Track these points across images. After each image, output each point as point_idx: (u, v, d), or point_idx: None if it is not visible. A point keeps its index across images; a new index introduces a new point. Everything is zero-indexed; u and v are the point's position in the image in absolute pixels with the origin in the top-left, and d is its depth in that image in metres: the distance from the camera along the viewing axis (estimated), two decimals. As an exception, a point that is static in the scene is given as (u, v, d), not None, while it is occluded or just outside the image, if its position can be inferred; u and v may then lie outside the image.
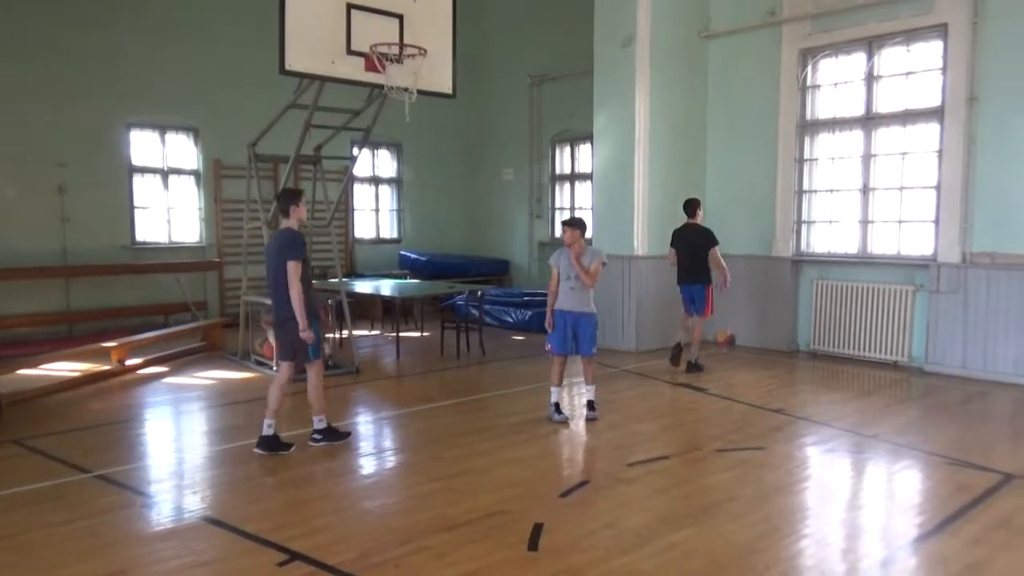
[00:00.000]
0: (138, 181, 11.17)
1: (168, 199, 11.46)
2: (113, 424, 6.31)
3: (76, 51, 10.27)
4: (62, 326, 10.29)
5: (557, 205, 13.41)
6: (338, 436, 5.71)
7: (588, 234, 10.04)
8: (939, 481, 4.99)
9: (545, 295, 11.70)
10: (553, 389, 6.40)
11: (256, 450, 5.41)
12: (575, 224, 6.39)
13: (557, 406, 6.38)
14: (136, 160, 11.11)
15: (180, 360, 8.89)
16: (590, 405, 6.48)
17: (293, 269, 5.29)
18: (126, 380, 7.95)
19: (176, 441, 6.16)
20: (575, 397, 7.50)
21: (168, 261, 11.13)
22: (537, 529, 4.06)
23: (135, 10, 10.70)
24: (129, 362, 8.29)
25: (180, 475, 5.13)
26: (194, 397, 7.25)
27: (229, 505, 4.53)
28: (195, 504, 4.55)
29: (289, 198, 5.55)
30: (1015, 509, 4.38)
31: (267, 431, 5.43)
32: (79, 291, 10.40)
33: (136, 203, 11.14)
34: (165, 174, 11.41)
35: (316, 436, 5.65)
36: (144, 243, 11.21)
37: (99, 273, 10.45)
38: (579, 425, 6.53)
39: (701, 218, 8.31)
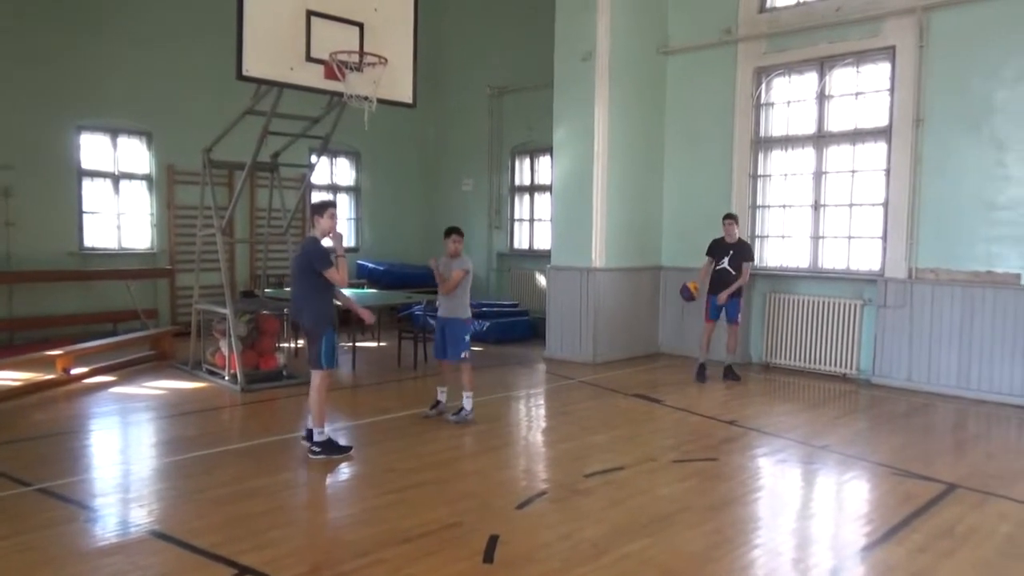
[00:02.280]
0: (87, 185, 10.88)
1: (119, 204, 11.18)
2: (57, 435, 6.11)
3: (24, 51, 9.99)
4: (3, 334, 9.94)
5: (516, 216, 13.45)
6: (338, 449, 5.58)
7: (546, 245, 10.15)
8: (886, 491, 5.11)
9: (502, 306, 11.80)
10: (441, 389, 6.72)
11: (313, 455, 5.47)
12: (457, 231, 6.63)
13: (435, 403, 6.69)
14: (86, 164, 10.83)
15: (129, 369, 8.66)
16: (457, 410, 6.59)
17: (331, 277, 5.48)
18: (71, 390, 7.72)
19: (123, 453, 5.99)
20: (533, 408, 7.54)
21: (118, 268, 10.85)
22: (493, 541, 4.04)
23: (87, 10, 10.46)
24: (75, 371, 8.04)
25: (126, 488, 4.99)
26: (142, 407, 7.07)
27: (177, 519, 4.42)
28: (142, 518, 4.43)
29: (314, 209, 5.69)
30: (957, 518, 4.51)
31: (318, 437, 5.54)
32: (23, 298, 10.06)
33: (85, 208, 10.85)
34: (116, 179, 11.14)
35: (315, 449, 5.52)
36: (93, 249, 10.91)
37: (44, 279, 10.13)
38: (536, 436, 6.55)
39: (730, 233, 8.39)
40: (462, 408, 6.56)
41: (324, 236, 5.59)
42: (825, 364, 8.83)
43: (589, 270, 9.46)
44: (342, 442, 5.73)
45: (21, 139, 10.02)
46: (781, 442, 6.14)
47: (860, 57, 8.51)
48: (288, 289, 9.52)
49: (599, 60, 9.30)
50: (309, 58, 6.94)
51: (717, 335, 8.76)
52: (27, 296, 10.09)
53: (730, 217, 8.49)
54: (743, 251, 8.42)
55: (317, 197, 13.18)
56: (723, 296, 8.34)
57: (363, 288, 12.15)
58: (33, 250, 10.16)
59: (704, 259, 8.58)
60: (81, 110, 10.56)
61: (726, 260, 8.39)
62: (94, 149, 10.93)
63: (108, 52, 10.61)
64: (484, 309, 11.21)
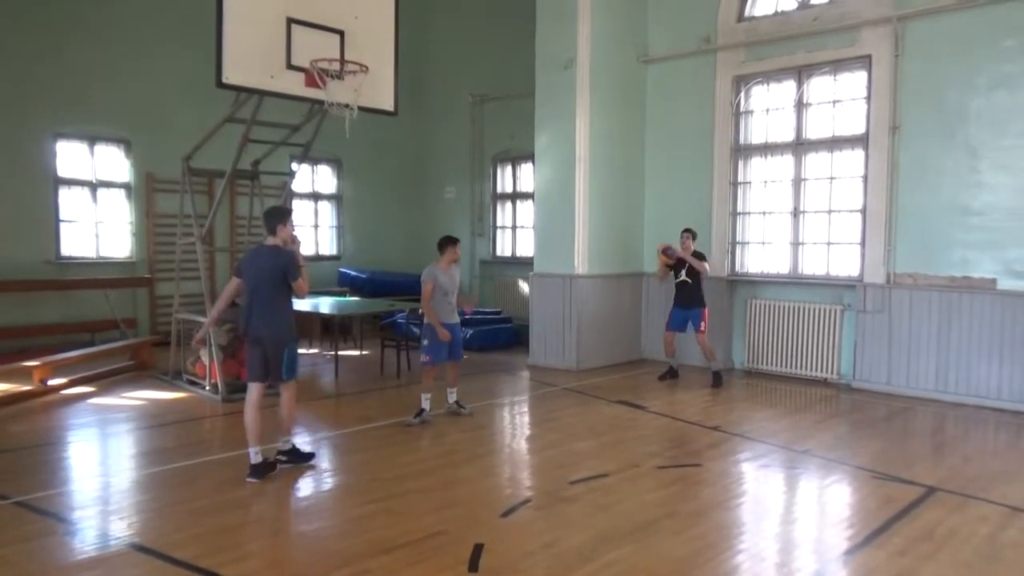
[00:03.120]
0: (64, 194, 10.74)
1: (97, 213, 11.06)
2: (34, 447, 6.02)
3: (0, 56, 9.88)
4: (-21, 344, 9.78)
5: (499, 223, 13.47)
6: (303, 457, 5.57)
7: (529, 252, 10.25)
8: (867, 495, 5.16)
9: (485, 313, 11.78)
10: (426, 396, 6.79)
11: (248, 480, 5.17)
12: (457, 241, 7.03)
13: (419, 411, 6.79)
14: (62, 172, 10.70)
15: (107, 380, 8.55)
16: (460, 404, 7.05)
17: (299, 288, 5.32)
18: (49, 401, 7.61)
19: (102, 465, 5.91)
20: (517, 416, 7.55)
21: (96, 277, 10.72)
22: (478, 550, 4.03)
23: (65, 15, 10.35)
24: (52, 382, 7.93)
25: (106, 500, 4.92)
26: (122, 418, 6.98)
27: (158, 531, 4.36)
28: (122, 531, 4.37)
29: (276, 217, 5.46)
30: (937, 521, 4.56)
31: (255, 459, 5.24)
32: (-2, 308, 9.92)
33: (62, 216, 10.71)
34: (94, 187, 11.02)
35: (281, 458, 5.46)
36: (70, 258, 10.77)
37: (20, 289, 9.98)
38: (520, 444, 6.55)
39: (686, 247, 8.52)
40: (460, 402, 7.08)
41: (285, 244, 5.42)
42: (806, 369, 8.90)
43: (572, 277, 9.48)
44: (307, 450, 5.70)
45: (-4, 147, 9.90)
46: (764, 447, 6.18)
47: (837, 66, 8.61)
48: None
49: (580, 68, 9.34)
50: (290, 66, 6.91)
51: (687, 342, 8.90)
52: (2, 306, 9.93)
53: (688, 232, 8.60)
54: (696, 257, 8.53)
55: (297, 205, 13.13)
56: (681, 251, 8.49)
57: (345, 296, 12.10)
58: (8, 259, 10.01)
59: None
60: (58, 117, 10.44)
61: (683, 272, 8.55)
62: (71, 157, 10.80)
63: (85, 58, 10.50)
64: (467, 317, 11.18)
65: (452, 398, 7.05)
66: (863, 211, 8.42)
